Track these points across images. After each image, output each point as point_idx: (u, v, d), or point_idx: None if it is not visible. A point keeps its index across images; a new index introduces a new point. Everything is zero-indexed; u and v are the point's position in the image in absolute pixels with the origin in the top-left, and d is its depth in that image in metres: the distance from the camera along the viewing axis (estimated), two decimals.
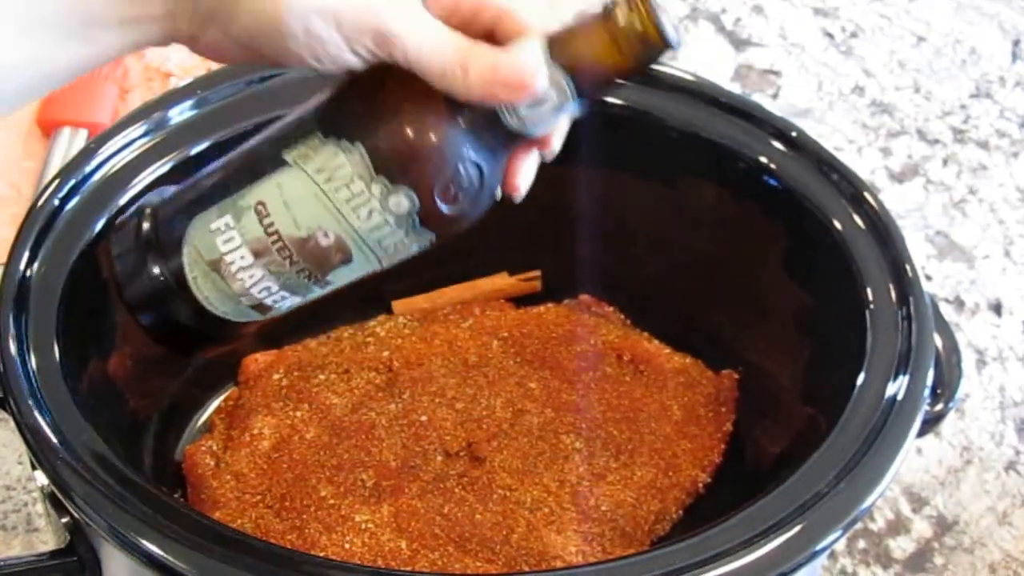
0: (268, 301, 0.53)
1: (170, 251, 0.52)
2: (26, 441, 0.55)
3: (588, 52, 0.49)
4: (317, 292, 0.53)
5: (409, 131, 0.49)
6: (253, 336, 0.78)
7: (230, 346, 0.59)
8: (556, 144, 0.53)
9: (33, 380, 0.57)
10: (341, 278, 0.53)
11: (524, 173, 0.52)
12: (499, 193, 0.53)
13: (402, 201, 0.49)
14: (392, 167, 0.49)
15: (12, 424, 0.56)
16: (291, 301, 0.53)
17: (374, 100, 0.49)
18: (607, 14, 0.48)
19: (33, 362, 0.58)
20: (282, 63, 0.48)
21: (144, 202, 0.54)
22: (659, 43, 0.49)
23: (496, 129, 0.50)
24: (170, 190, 0.54)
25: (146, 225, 0.53)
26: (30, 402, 0.56)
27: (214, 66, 0.70)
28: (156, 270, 0.52)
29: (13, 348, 0.58)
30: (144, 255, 0.52)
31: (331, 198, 0.49)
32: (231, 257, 0.51)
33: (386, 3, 0.46)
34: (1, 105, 0.48)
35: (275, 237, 0.51)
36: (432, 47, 0.47)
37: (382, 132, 0.49)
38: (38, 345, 0.59)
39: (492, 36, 0.49)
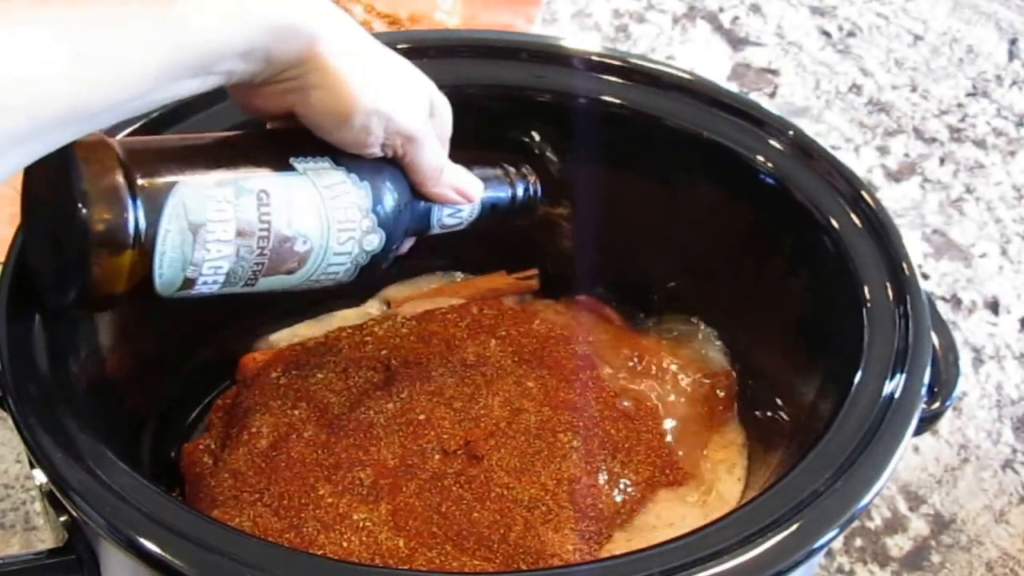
0: (201, 280, 0.55)
1: (154, 197, 0.52)
2: (24, 439, 0.55)
3: (492, 196, 0.66)
4: (238, 290, 0.57)
5: (399, 196, 0.60)
6: (252, 335, 0.78)
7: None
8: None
9: (31, 378, 0.57)
10: (268, 285, 0.57)
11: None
12: None
13: (374, 241, 0.58)
14: (383, 212, 0.58)
15: (10, 422, 0.56)
16: (213, 289, 0.56)
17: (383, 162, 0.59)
18: (506, 174, 0.67)
19: (31, 360, 0.58)
20: (324, 137, 0.57)
21: (117, 143, 0.53)
22: (533, 211, 0.68)
23: (424, 216, 0.63)
24: (142, 140, 0.55)
25: (126, 160, 0.52)
26: (28, 400, 0.56)
27: None
28: (131, 211, 0.51)
29: (11, 346, 0.58)
30: (120, 191, 0.51)
31: (328, 216, 0.56)
32: (215, 227, 0.53)
33: (420, 119, 0.58)
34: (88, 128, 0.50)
35: (265, 227, 0.54)
36: (431, 156, 0.60)
37: (386, 187, 0.59)
38: (37, 343, 0.59)
39: None
